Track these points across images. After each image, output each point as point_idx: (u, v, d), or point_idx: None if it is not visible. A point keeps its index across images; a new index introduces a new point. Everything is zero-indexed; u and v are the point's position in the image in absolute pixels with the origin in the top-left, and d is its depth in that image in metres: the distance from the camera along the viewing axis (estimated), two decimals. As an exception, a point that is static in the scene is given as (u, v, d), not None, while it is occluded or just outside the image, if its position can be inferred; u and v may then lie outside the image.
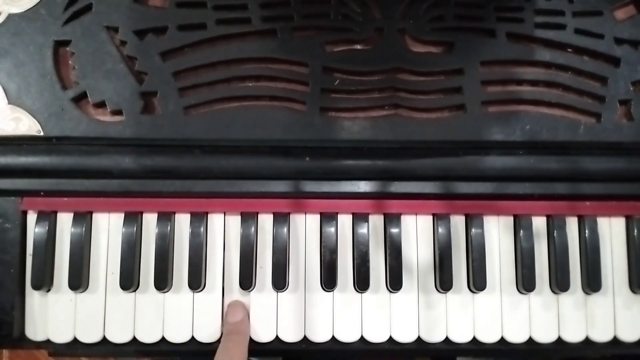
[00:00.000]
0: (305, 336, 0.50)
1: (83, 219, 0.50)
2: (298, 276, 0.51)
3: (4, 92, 0.50)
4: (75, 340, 0.50)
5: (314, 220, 0.52)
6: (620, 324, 0.52)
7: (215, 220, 0.51)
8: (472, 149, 0.51)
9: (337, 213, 0.51)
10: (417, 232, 0.52)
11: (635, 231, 0.52)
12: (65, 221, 0.51)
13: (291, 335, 0.50)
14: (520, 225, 0.51)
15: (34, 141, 0.50)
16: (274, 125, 0.50)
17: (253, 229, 0.51)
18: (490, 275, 0.51)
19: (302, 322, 0.50)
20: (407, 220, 0.52)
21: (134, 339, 0.50)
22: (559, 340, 0.51)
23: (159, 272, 0.50)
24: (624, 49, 0.52)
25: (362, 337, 0.51)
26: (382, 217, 0.51)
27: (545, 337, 0.51)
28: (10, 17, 0.51)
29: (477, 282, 0.50)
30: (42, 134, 0.50)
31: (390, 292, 0.51)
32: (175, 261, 0.51)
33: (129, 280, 0.49)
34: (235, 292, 0.51)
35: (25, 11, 0.51)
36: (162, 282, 0.50)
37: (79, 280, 0.49)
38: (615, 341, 0.52)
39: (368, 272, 0.50)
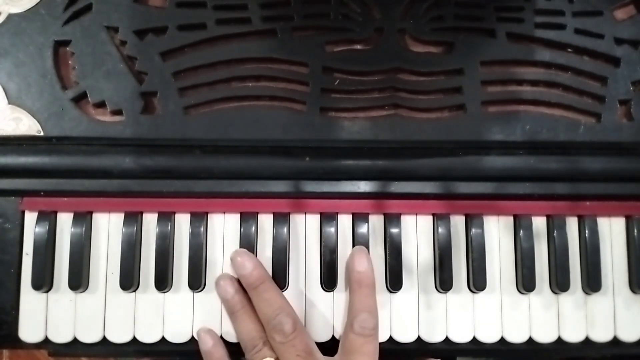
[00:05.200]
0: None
1: (83, 219, 0.50)
2: (298, 276, 0.51)
3: (4, 92, 0.50)
4: (75, 340, 0.50)
5: (314, 220, 0.52)
6: (620, 324, 0.52)
7: (215, 220, 0.51)
8: (472, 149, 0.51)
9: (337, 213, 0.51)
10: (417, 232, 0.52)
11: (635, 231, 0.52)
12: (65, 221, 0.51)
13: (291, 335, 0.50)
14: (520, 225, 0.51)
15: (34, 141, 0.50)
16: (274, 125, 0.50)
17: (253, 229, 0.51)
18: (490, 275, 0.51)
19: (303, 322, 0.50)
20: (407, 220, 0.52)
21: (134, 339, 0.50)
22: (559, 340, 0.51)
23: (159, 272, 0.50)
24: (624, 49, 0.52)
25: (362, 337, 0.51)
26: (382, 217, 0.51)
27: (545, 337, 0.51)
28: (10, 17, 0.51)
29: (477, 282, 0.50)
30: (42, 134, 0.50)
31: (390, 292, 0.51)
32: (175, 261, 0.51)
33: (129, 280, 0.49)
34: (235, 292, 0.51)
35: (25, 11, 0.51)
36: (162, 282, 0.50)
37: (79, 280, 0.49)
38: (615, 341, 0.52)
39: (368, 272, 0.50)
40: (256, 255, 0.50)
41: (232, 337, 0.50)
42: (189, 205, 0.51)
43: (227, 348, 0.50)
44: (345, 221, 0.52)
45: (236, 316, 0.49)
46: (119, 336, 0.50)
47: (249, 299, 0.49)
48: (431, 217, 0.52)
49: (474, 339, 0.51)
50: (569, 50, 0.52)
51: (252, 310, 0.49)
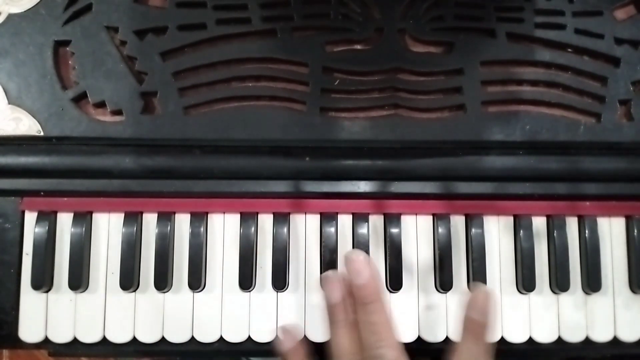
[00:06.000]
0: (305, 336, 0.50)
1: (83, 219, 0.50)
2: (298, 276, 0.51)
3: (4, 92, 0.50)
4: (75, 340, 0.50)
5: (314, 220, 0.52)
6: (620, 324, 0.52)
7: (215, 220, 0.51)
8: (472, 149, 0.51)
9: (337, 213, 0.51)
10: (417, 232, 0.52)
11: (635, 231, 0.52)
12: (65, 221, 0.51)
13: (291, 335, 0.50)
14: (520, 225, 0.51)
15: (34, 141, 0.50)
16: (274, 125, 0.50)
17: (253, 229, 0.51)
18: (490, 276, 0.51)
19: (302, 322, 0.50)
20: (407, 220, 0.52)
21: (134, 339, 0.50)
22: (559, 340, 0.51)
23: (159, 272, 0.50)
24: (624, 49, 0.52)
25: (362, 337, 0.51)
26: (382, 217, 0.51)
27: (545, 337, 0.51)
28: (10, 17, 0.51)
29: (477, 282, 0.50)
30: (42, 134, 0.50)
31: (391, 292, 0.51)
32: (175, 261, 0.51)
33: (129, 280, 0.49)
34: (235, 292, 0.51)
35: (25, 11, 0.51)
36: (162, 282, 0.50)
37: (79, 280, 0.49)
38: (615, 341, 0.52)
39: (368, 272, 0.50)
40: (256, 256, 0.50)
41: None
42: (189, 205, 0.51)
43: (229, 348, 0.50)
44: (345, 221, 0.52)
45: (335, 326, 0.44)
46: (119, 336, 0.50)
47: (351, 309, 0.44)
48: (431, 217, 0.52)
49: (474, 339, 0.51)
50: (569, 50, 0.52)
51: (353, 325, 0.43)
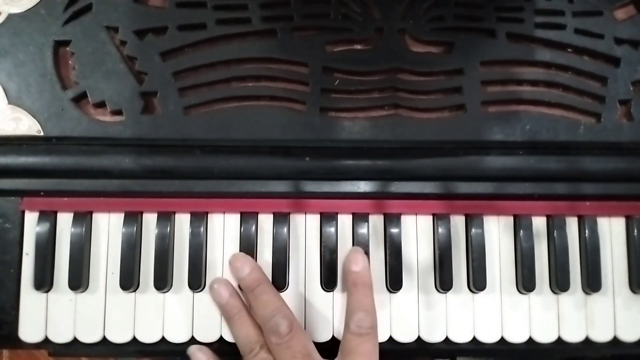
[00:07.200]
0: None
1: (83, 219, 0.50)
2: (298, 276, 0.51)
3: (4, 92, 0.50)
4: (75, 340, 0.50)
5: (314, 220, 0.52)
6: (620, 324, 0.52)
7: (215, 220, 0.51)
8: (472, 149, 0.51)
9: (337, 213, 0.51)
10: (417, 232, 0.52)
11: (635, 231, 0.52)
12: (65, 221, 0.51)
13: (291, 335, 0.50)
14: (520, 225, 0.51)
15: (34, 141, 0.50)
16: (274, 125, 0.50)
17: (253, 229, 0.51)
18: (490, 275, 0.51)
19: (302, 322, 0.50)
20: (407, 220, 0.52)
21: (134, 339, 0.50)
22: (559, 340, 0.51)
23: (159, 272, 0.50)
24: (624, 49, 0.52)
25: (362, 337, 0.50)
26: (382, 217, 0.51)
27: (545, 337, 0.51)
28: (10, 17, 0.51)
29: (477, 282, 0.50)
30: (42, 134, 0.50)
31: (390, 292, 0.51)
32: (175, 261, 0.51)
33: (129, 280, 0.49)
34: (235, 292, 0.51)
35: (25, 11, 0.51)
36: (162, 282, 0.50)
37: (79, 280, 0.49)
38: (615, 341, 0.52)
39: (368, 272, 0.50)
40: (256, 256, 0.50)
41: (232, 338, 0.50)
42: (189, 205, 0.51)
43: (228, 348, 0.50)
44: (345, 221, 0.52)
45: (233, 321, 0.49)
46: (119, 336, 0.50)
47: (244, 303, 0.49)
48: (431, 217, 0.52)
49: (474, 339, 0.51)
50: (569, 50, 0.52)
51: (248, 314, 0.49)
